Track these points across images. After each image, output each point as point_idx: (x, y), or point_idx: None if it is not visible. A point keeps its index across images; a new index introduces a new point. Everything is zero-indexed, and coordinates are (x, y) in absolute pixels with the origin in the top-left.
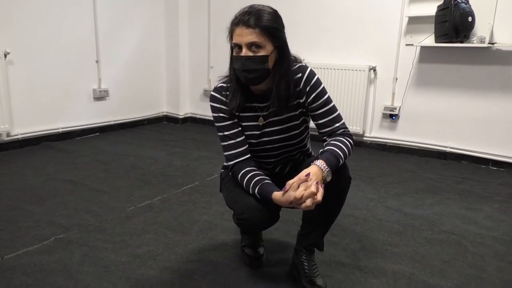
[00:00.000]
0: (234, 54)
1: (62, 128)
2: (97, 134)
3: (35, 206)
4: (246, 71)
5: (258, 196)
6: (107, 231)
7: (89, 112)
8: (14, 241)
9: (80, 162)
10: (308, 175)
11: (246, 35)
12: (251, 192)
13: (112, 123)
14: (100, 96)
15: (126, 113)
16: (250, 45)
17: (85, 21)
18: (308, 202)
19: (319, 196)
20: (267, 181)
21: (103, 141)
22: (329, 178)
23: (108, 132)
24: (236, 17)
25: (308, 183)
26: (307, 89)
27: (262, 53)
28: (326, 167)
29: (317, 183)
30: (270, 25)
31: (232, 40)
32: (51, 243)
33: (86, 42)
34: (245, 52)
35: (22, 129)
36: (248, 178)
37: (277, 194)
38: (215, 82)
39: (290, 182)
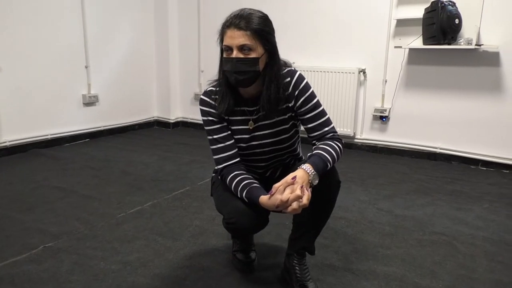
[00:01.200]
0: (224, 56)
1: (51, 134)
2: (87, 140)
3: (23, 214)
4: (236, 73)
5: (246, 200)
6: (97, 238)
7: (79, 118)
8: (2, 250)
9: (70, 168)
10: (294, 178)
11: (238, 37)
12: (239, 195)
13: (102, 128)
14: (90, 101)
15: (117, 118)
16: (241, 47)
17: (74, 26)
18: (294, 205)
19: (305, 200)
20: (255, 184)
21: (93, 147)
22: (315, 182)
23: (98, 138)
24: (227, 20)
25: (294, 186)
26: (296, 93)
27: (252, 55)
28: (313, 170)
29: (302, 187)
30: (261, 28)
31: (222, 43)
32: (40, 251)
33: (75, 48)
34: (236, 54)
35: (10, 136)
36: (236, 182)
37: (264, 198)
38: (206, 86)
39: (276, 185)
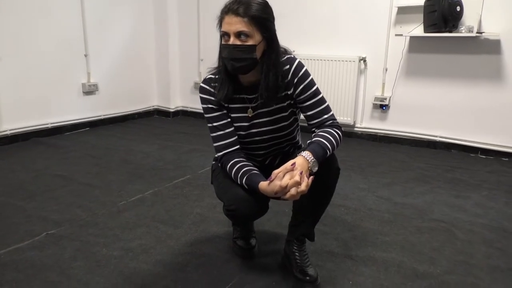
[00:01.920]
0: (222, 42)
1: (51, 123)
2: (87, 129)
3: (25, 202)
4: (233, 60)
5: (246, 186)
6: (98, 225)
7: (79, 106)
8: (5, 238)
9: (70, 157)
10: (293, 164)
11: (235, 24)
12: (239, 182)
13: (102, 117)
14: (90, 90)
15: (116, 107)
16: (238, 34)
17: (73, 15)
18: (293, 191)
19: (303, 186)
20: (255, 171)
21: (93, 136)
22: (315, 169)
23: (99, 126)
24: (226, 5)
25: (293, 173)
26: (295, 80)
27: (250, 42)
28: (312, 157)
29: (301, 173)
30: (259, 15)
31: (221, 28)
32: (42, 238)
33: (74, 36)
34: (232, 40)
35: (11, 125)
36: (236, 169)
37: (263, 184)
38: (206, 73)
39: (275, 171)
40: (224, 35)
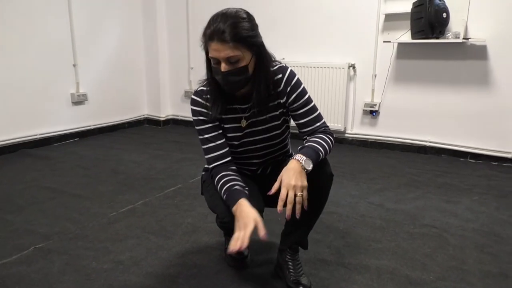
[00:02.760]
0: (213, 65)
1: (40, 134)
2: (76, 139)
3: (13, 215)
4: (228, 84)
5: (227, 201)
6: (88, 238)
7: (68, 117)
8: None
9: (59, 168)
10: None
11: (223, 50)
12: (223, 197)
13: (91, 127)
14: (79, 100)
15: (106, 117)
16: (227, 60)
17: (61, 24)
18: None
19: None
20: (237, 187)
21: (82, 146)
22: (309, 167)
23: (88, 137)
24: (209, 27)
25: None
26: (288, 89)
27: (241, 64)
28: (303, 157)
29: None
30: (246, 35)
31: (208, 53)
32: (30, 253)
33: (62, 46)
34: (224, 67)
35: None
36: (221, 184)
37: (236, 208)
38: (196, 83)
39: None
40: (213, 59)
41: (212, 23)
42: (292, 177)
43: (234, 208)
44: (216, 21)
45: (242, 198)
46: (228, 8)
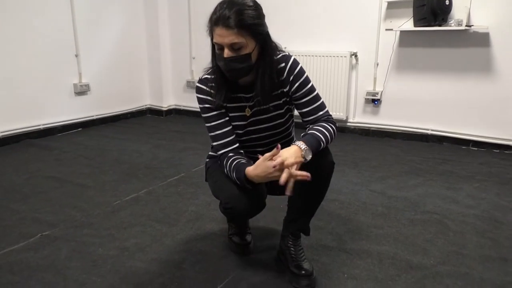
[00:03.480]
0: (216, 51)
1: (43, 124)
2: (79, 129)
3: (19, 204)
4: (230, 71)
5: (236, 179)
6: (93, 225)
7: (71, 107)
8: None
9: (63, 158)
10: (278, 147)
11: (227, 36)
12: (232, 178)
13: (94, 117)
14: (81, 90)
15: (109, 107)
16: (231, 46)
17: (62, 15)
18: (285, 173)
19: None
20: (243, 161)
21: (86, 136)
22: (308, 157)
23: (91, 127)
24: (215, 13)
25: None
26: (291, 78)
27: (244, 51)
28: (305, 146)
29: (278, 147)
30: (250, 23)
31: (212, 39)
32: (37, 240)
33: (64, 36)
34: (227, 53)
35: (1, 127)
36: (229, 165)
37: (249, 169)
38: (198, 72)
39: (266, 155)
40: (217, 45)
41: (218, 9)
42: (291, 157)
43: (247, 175)
44: (223, 7)
45: (248, 166)
46: None
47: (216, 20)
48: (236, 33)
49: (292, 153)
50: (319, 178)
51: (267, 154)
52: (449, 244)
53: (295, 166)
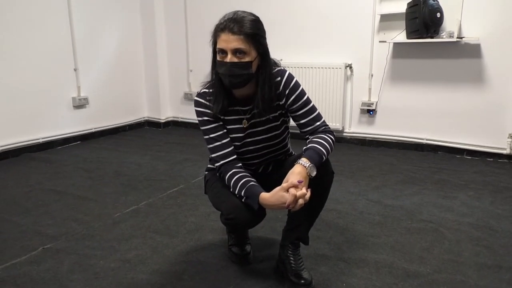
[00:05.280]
0: (218, 58)
1: (42, 138)
2: (78, 142)
3: (20, 217)
4: (231, 76)
5: (244, 197)
6: (95, 238)
7: (70, 120)
8: (1, 253)
9: (63, 171)
10: (301, 181)
11: (232, 41)
12: (236, 193)
13: (93, 130)
14: (80, 104)
15: (107, 120)
16: (235, 51)
17: (61, 29)
18: (301, 201)
19: (307, 196)
20: (253, 183)
21: (85, 149)
22: (313, 173)
23: (90, 140)
24: (221, 23)
25: (299, 185)
26: (287, 91)
27: (246, 59)
28: (309, 163)
29: (301, 182)
30: (254, 32)
31: (216, 45)
32: (39, 253)
33: (63, 51)
34: (230, 58)
35: (1, 141)
36: (235, 180)
37: (265, 195)
38: (196, 85)
39: (284, 186)
40: (220, 51)
41: (224, 17)
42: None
43: (261, 200)
44: (230, 17)
45: (262, 192)
46: (238, 10)
47: (223, 27)
48: (241, 39)
49: (298, 174)
50: (319, 188)
51: (284, 185)
52: (445, 252)
53: (303, 187)
